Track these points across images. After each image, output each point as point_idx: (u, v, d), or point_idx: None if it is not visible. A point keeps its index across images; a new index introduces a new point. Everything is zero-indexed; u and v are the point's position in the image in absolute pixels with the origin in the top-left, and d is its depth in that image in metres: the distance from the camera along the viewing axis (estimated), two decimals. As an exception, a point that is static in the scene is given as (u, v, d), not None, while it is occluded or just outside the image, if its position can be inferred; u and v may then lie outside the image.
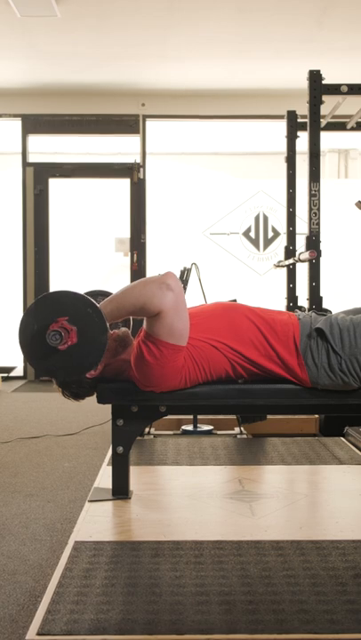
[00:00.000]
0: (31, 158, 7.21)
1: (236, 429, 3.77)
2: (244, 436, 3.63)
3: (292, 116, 5.16)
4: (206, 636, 1.52)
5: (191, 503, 2.44)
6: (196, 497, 2.50)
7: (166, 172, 8.10)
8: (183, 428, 3.83)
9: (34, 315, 2.25)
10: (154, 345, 2.22)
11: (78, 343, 2.19)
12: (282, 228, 6.92)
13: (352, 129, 5.11)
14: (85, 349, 2.20)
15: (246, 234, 7.38)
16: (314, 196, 3.91)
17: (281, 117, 5.28)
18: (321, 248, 3.90)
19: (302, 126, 4.76)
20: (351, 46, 5.75)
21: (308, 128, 3.95)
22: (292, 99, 5.70)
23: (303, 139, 4.24)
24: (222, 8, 5.03)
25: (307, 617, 1.58)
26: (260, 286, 7.26)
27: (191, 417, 3.83)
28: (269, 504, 2.41)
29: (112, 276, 7.35)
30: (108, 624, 1.56)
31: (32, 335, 2.24)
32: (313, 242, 3.89)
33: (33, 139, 7.24)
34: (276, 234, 7.34)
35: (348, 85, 4.00)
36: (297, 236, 5.21)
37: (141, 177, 7.11)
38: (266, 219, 7.36)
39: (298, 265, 5.01)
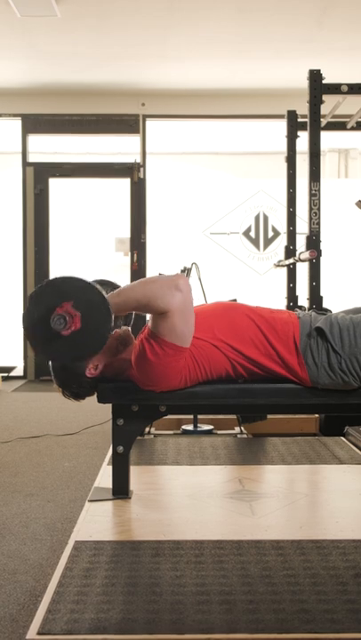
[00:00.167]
0: (31, 158, 7.21)
1: (237, 429, 3.77)
2: (245, 436, 3.63)
3: (292, 116, 5.16)
4: (207, 636, 1.52)
5: (191, 503, 2.44)
6: (196, 496, 2.50)
7: (166, 172, 8.10)
8: (183, 427, 3.83)
9: (39, 297, 2.21)
10: (157, 344, 2.21)
11: (82, 329, 2.15)
12: (282, 227, 6.91)
13: (352, 128, 5.11)
14: (88, 336, 2.17)
15: (246, 233, 7.38)
16: (314, 195, 3.91)
17: (281, 117, 5.28)
18: (321, 248, 3.90)
19: (302, 126, 4.76)
20: (351, 46, 5.75)
21: (308, 128, 3.95)
22: (292, 98, 5.70)
23: (303, 138, 4.24)
24: (222, 8, 5.03)
25: (307, 616, 1.58)
26: (261, 286, 7.26)
27: (191, 416, 3.83)
28: (270, 504, 2.41)
29: (112, 276, 7.32)
30: (108, 623, 1.56)
31: (36, 318, 2.18)
32: (313, 241, 3.89)
33: (33, 138, 7.24)
34: (277, 233, 7.34)
35: (348, 85, 4.01)
36: (297, 236, 5.22)
37: (141, 177, 7.11)
38: (266, 218, 7.36)
39: (298, 264, 5.01)
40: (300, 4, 4.98)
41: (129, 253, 7.12)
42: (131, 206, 7.18)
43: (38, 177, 7.14)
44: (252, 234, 7.38)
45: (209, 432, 3.77)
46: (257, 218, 7.37)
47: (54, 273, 7.15)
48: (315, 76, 3.94)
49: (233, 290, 6.34)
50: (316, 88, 3.93)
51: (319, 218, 3.91)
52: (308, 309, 3.87)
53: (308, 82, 3.94)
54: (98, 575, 1.82)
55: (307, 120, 3.97)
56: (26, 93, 6.97)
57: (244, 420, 3.71)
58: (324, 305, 3.93)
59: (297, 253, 4.81)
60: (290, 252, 5.17)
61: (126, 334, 2.44)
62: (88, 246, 7.38)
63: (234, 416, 3.75)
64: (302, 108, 4.23)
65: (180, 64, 6.20)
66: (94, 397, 2.44)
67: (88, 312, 2.16)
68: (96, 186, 7.38)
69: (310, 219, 3.90)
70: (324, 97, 3.96)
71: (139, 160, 7.11)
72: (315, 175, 3.91)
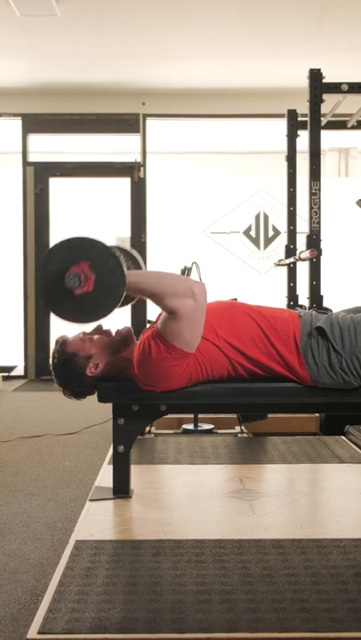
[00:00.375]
0: (31, 157, 7.21)
1: (237, 428, 3.77)
2: (245, 435, 3.63)
3: (292, 115, 5.16)
4: (207, 635, 1.52)
5: (192, 502, 2.44)
6: (196, 496, 2.50)
7: (167, 171, 8.10)
8: (184, 426, 3.83)
9: (58, 253, 2.18)
10: (163, 345, 2.21)
11: (93, 292, 2.13)
12: (282, 226, 6.91)
13: (352, 127, 5.11)
14: (95, 303, 2.15)
15: (247, 233, 7.38)
16: (314, 194, 3.91)
17: (281, 116, 5.28)
18: (321, 247, 3.90)
19: (303, 125, 4.76)
20: (351, 45, 5.75)
21: (308, 127, 3.95)
22: (292, 97, 5.69)
23: (304, 137, 4.24)
24: (222, 8, 5.03)
25: (308, 615, 1.58)
26: (261, 285, 7.26)
27: (192, 416, 3.83)
28: (270, 503, 2.41)
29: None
30: (109, 623, 1.56)
31: (52, 273, 2.15)
32: (313, 240, 3.89)
33: (33, 138, 7.24)
34: (277, 233, 7.34)
35: (348, 84, 4.00)
36: (297, 235, 5.21)
37: (142, 176, 7.11)
38: (266, 217, 7.36)
39: (298, 264, 5.01)
40: (301, 4, 4.98)
41: (129, 253, 7.11)
42: (131, 206, 7.18)
43: (38, 176, 7.14)
44: (253, 233, 7.38)
45: (209, 431, 3.77)
46: (257, 217, 7.37)
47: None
48: (315, 75, 3.94)
49: (233, 289, 6.33)
50: (317, 87, 3.93)
51: (319, 217, 3.91)
52: (309, 308, 3.87)
53: (309, 81, 3.93)
54: (98, 574, 1.82)
55: (307, 119, 3.97)
56: (26, 93, 6.96)
57: (244, 420, 3.71)
58: (325, 304, 3.93)
59: (297, 252, 4.80)
60: (290, 251, 5.17)
61: (128, 333, 2.44)
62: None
63: (234, 415, 3.75)
64: (303, 108, 4.23)
65: (180, 63, 6.20)
66: (95, 397, 2.44)
67: (103, 278, 2.13)
68: (96, 185, 7.38)
69: (311, 218, 3.90)
70: (325, 96, 3.95)
71: (139, 159, 7.11)
72: (315, 174, 3.91)
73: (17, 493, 2.99)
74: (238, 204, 7.37)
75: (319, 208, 3.91)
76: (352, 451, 3.18)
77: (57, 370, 2.43)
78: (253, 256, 7.38)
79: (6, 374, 6.91)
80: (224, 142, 8.51)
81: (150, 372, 2.27)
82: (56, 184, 7.19)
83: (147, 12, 5.09)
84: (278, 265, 5.45)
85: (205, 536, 2.09)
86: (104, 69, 6.34)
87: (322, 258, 3.92)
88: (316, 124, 3.92)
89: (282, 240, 6.70)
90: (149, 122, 7.13)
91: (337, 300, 4.39)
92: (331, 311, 2.63)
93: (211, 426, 3.83)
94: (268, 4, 4.98)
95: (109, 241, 2.23)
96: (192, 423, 3.83)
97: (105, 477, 2.68)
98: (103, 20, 5.24)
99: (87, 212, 7.42)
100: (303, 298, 4.53)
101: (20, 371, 7.09)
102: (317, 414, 3.95)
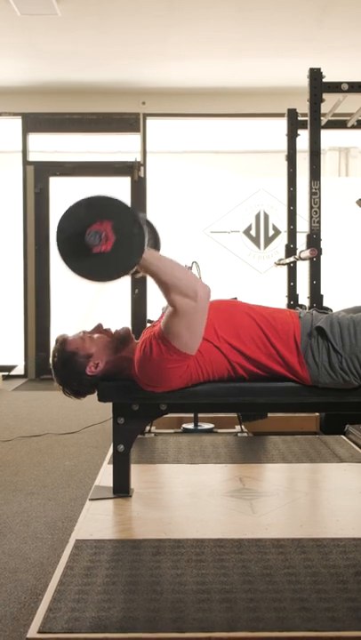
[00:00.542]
0: (31, 157, 7.21)
1: (237, 427, 3.77)
2: (245, 435, 3.63)
3: (292, 114, 5.16)
4: (207, 634, 1.52)
5: (192, 501, 2.44)
6: (196, 495, 2.50)
7: (167, 171, 8.09)
8: (184, 426, 3.83)
9: (86, 206, 2.17)
10: (164, 345, 2.21)
11: (107, 255, 2.12)
12: (282, 226, 6.91)
13: (353, 127, 5.11)
14: (108, 265, 2.14)
15: (247, 232, 7.38)
16: (314, 194, 3.91)
17: (281, 115, 5.28)
18: (321, 246, 3.90)
19: (303, 124, 4.76)
20: (351, 44, 5.75)
21: (308, 126, 3.95)
22: (292, 97, 5.69)
23: (304, 137, 4.24)
24: (222, 7, 5.03)
25: (308, 615, 1.58)
26: (261, 284, 7.25)
27: (192, 415, 3.83)
28: (270, 502, 2.41)
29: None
30: (109, 622, 1.56)
31: (74, 225, 2.14)
32: (314, 240, 3.89)
33: (33, 137, 7.23)
34: (277, 232, 7.33)
35: (348, 83, 4.00)
36: (298, 235, 5.21)
37: (142, 175, 7.11)
38: (266, 217, 7.36)
39: (298, 263, 5.01)
40: (301, 3, 4.98)
41: (129, 252, 7.10)
42: (131, 205, 7.15)
43: (39, 176, 7.14)
44: (253, 232, 7.38)
45: (209, 431, 3.77)
46: (257, 216, 7.37)
47: (55, 272, 7.15)
48: (315, 74, 3.93)
49: (233, 288, 6.33)
50: (317, 86, 3.93)
51: (320, 216, 3.91)
52: (309, 308, 3.87)
53: (309, 80, 3.93)
54: (99, 574, 1.82)
55: (307, 118, 3.97)
56: (26, 92, 6.96)
57: (244, 419, 3.71)
58: (325, 303, 3.93)
59: (297, 252, 4.80)
60: (290, 250, 5.17)
61: (126, 333, 2.44)
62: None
63: (234, 414, 3.75)
64: (303, 107, 4.23)
65: (180, 62, 6.20)
66: (95, 396, 2.44)
67: (121, 244, 2.12)
68: (96, 185, 7.37)
69: (311, 217, 3.90)
70: (325, 95, 3.95)
71: (139, 159, 7.10)
72: (315, 174, 3.91)
73: (17, 493, 3.00)
74: (238, 204, 7.37)
75: (319, 207, 3.91)
76: (352, 450, 3.18)
77: (57, 368, 2.42)
78: (253, 255, 7.38)
79: (6, 374, 6.91)
80: (224, 141, 8.51)
81: (151, 373, 2.27)
82: (56, 183, 7.19)
83: (147, 11, 5.09)
84: (278, 264, 5.45)
85: (205, 535, 2.09)
86: (104, 69, 6.34)
87: (322, 257, 3.92)
88: (316, 124, 3.92)
89: (282, 239, 6.70)
90: (149, 121, 7.13)
91: (337, 299, 4.40)
92: (331, 311, 2.63)
93: (211, 425, 3.83)
94: (268, 3, 4.98)
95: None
96: (192, 422, 3.83)
97: (105, 477, 2.68)
98: (103, 20, 5.24)
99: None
100: (303, 297, 4.53)
101: (20, 370, 7.09)
102: (317, 413, 3.95)
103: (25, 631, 1.68)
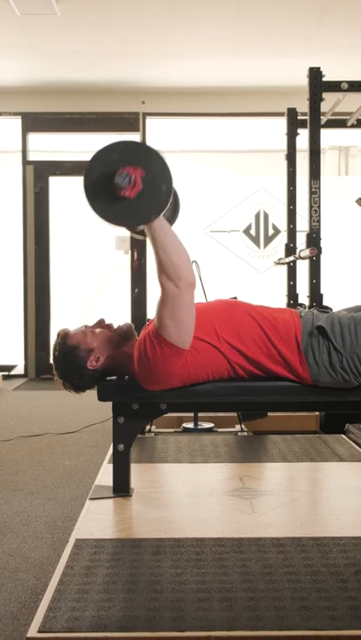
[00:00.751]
0: (31, 156, 7.20)
1: (237, 427, 3.77)
2: (245, 434, 3.63)
3: (292, 114, 5.16)
4: (207, 633, 1.52)
5: (192, 501, 2.44)
6: (196, 494, 2.50)
7: (166, 170, 8.07)
8: (184, 425, 3.83)
9: (123, 150, 2.16)
10: (156, 339, 2.22)
11: (130, 202, 2.12)
12: (282, 225, 6.91)
13: (352, 126, 5.10)
14: (124, 212, 2.15)
15: (247, 231, 7.38)
16: (314, 193, 3.91)
17: (281, 115, 5.27)
18: (321, 245, 3.90)
19: (303, 124, 4.75)
20: (351, 44, 5.75)
21: (308, 125, 3.95)
22: (292, 96, 5.69)
23: (303, 136, 4.24)
24: (222, 6, 5.03)
25: (308, 614, 1.58)
26: (261, 284, 7.25)
27: (192, 414, 3.83)
28: (270, 501, 2.41)
29: (112, 274, 7.35)
30: (109, 621, 1.56)
31: (107, 165, 2.15)
32: (313, 239, 3.89)
33: (33, 137, 7.23)
34: (277, 231, 7.33)
35: (348, 82, 4.00)
36: (297, 234, 5.21)
37: (142, 175, 7.09)
38: (266, 216, 7.36)
39: (298, 262, 5.01)
40: (301, 3, 4.97)
41: (129, 251, 7.11)
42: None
43: (38, 175, 7.13)
44: (253, 232, 7.38)
45: (209, 430, 3.77)
46: (257, 216, 7.37)
47: (54, 272, 7.15)
48: (315, 73, 3.93)
49: (233, 288, 6.34)
50: (316, 86, 3.92)
51: (319, 215, 3.91)
52: (309, 307, 3.87)
53: (308, 79, 3.93)
54: (99, 573, 1.82)
55: (307, 118, 3.97)
56: (26, 92, 6.96)
57: (244, 418, 3.71)
58: (325, 302, 3.93)
59: (297, 251, 4.80)
60: (290, 249, 5.17)
61: (129, 329, 2.44)
62: (88, 244, 7.36)
63: (234, 414, 3.75)
64: (302, 106, 4.23)
65: (180, 62, 6.20)
66: (95, 395, 2.44)
67: (144, 196, 2.12)
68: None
69: (310, 216, 3.90)
70: (325, 94, 3.95)
71: (139, 158, 7.09)
72: (315, 173, 3.91)
73: (17, 492, 3.00)
74: (238, 203, 7.36)
75: (319, 207, 3.91)
76: (352, 449, 3.18)
77: (58, 362, 2.42)
78: (253, 255, 7.38)
79: (6, 373, 6.90)
80: (224, 141, 8.50)
81: (147, 369, 2.28)
82: (56, 183, 7.18)
83: (146, 10, 5.09)
84: (278, 263, 5.45)
85: (205, 534, 2.09)
86: (104, 68, 6.34)
87: (322, 256, 3.92)
88: (315, 123, 3.92)
89: (282, 239, 6.69)
90: (149, 121, 7.13)
91: (337, 298, 4.40)
92: (331, 310, 2.63)
93: (211, 424, 3.83)
94: (268, 3, 4.98)
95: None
96: (192, 422, 3.83)
97: (105, 476, 2.68)
98: (103, 19, 5.24)
99: (87, 211, 7.40)
100: (303, 296, 4.53)
101: (20, 370, 7.09)
102: (317, 413, 3.95)
103: (25, 630, 1.68)
